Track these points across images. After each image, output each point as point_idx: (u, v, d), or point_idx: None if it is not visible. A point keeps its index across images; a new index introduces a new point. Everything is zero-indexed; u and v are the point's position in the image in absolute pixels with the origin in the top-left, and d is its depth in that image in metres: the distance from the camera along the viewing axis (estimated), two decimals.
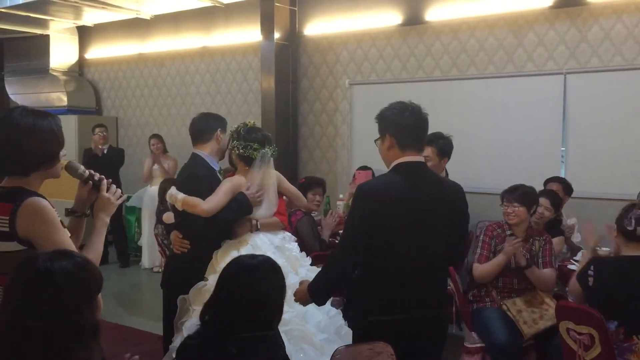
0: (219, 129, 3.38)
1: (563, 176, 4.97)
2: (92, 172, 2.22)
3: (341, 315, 3.12)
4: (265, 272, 2.02)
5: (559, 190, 4.48)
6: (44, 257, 1.48)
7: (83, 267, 1.51)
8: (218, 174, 3.40)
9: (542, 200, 4.01)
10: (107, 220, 2.21)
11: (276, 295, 2.02)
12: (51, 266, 1.45)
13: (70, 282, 1.45)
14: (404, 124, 2.39)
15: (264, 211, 3.30)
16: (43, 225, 1.94)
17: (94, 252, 2.10)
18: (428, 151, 4.03)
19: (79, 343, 1.44)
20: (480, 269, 3.60)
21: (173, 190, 3.16)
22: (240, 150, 3.28)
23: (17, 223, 1.93)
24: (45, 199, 2.02)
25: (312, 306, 2.91)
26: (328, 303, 3.05)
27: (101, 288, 1.58)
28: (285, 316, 2.75)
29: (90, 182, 2.19)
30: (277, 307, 2.04)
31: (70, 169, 2.17)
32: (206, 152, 3.37)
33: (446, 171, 4.55)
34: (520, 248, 3.52)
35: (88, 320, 1.46)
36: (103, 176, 2.24)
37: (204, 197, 3.13)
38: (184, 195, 3.11)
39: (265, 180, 3.30)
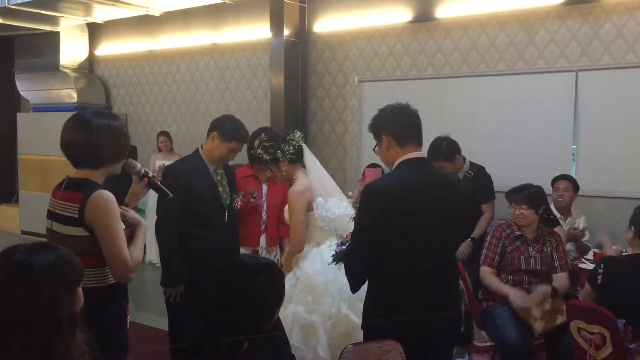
0: (216, 131, 3.26)
1: (574, 174, 4.93)
2: (147, 170, 2.42)
3: None
4: (261, 273, 2.00)
5: (568, 188, 4.47)
6: (21, 249, 1.49)
7: (63, 259, 1.51)
8: (212, 174, 3.30)
9: None
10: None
11: (268, 296, 2.00)
12: (29, 258, 1.45)
13: (49, 274, 1.45)
14: (398, 121, 2.40)
15: (337, 208, 3.14)
16: (106, 215, 2.15)
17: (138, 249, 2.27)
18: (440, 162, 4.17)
19: (57, 335, 1.43)
20: (486, 281, 3.61)
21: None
22: (291, 149, 3.21)
23: (85, 211, 2.14)
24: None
25: None
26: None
27: (81, 280, 1.58)
28: None
29: (146, 179, 2.38)
30: (269, 308, 2.01)
31: (128, 166, 2.37)
32: (204, 150, 3.32)
33: (470, 162, 4.66)
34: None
35: (66, 312, 1.46)
36: (155, 174, 2.45)
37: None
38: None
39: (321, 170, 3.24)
